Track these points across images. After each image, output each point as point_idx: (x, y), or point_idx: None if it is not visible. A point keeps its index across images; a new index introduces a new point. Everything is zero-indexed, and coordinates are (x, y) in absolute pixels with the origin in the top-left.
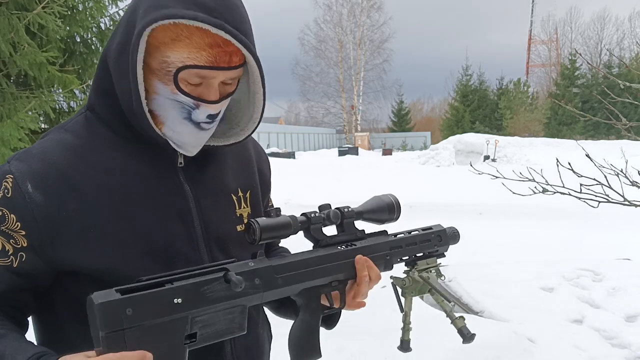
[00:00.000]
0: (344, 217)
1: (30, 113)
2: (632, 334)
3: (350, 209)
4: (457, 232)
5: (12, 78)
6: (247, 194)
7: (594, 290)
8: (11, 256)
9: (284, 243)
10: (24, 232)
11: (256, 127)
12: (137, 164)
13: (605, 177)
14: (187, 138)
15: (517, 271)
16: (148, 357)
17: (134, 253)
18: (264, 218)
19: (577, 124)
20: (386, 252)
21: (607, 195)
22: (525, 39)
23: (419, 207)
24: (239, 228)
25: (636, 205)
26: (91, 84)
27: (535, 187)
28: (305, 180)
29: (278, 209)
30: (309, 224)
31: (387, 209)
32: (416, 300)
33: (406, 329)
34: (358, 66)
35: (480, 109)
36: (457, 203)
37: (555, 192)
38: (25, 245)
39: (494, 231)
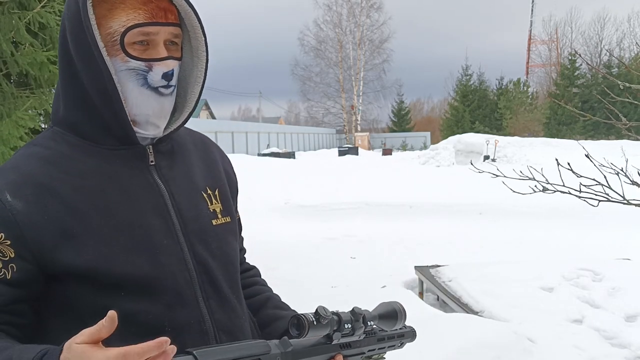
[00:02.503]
0: (364, 330)
1: (30, 112)
2: (632, 333)
3: (372, 328)
4: (415, 332)
5: (12, 78)
6: (216, 192)
7: (593, 290)
8: (2, 269)
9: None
10: (9, 242)
11: (203, 84)
12: (110, 165)
13: (605, 176)
14: (150, 108)
15: (517, 271)
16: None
17: (117, 248)
18: (312, 316)
19: (576, 124)
20: (365, 353)
21: (607, 195)
22: (525, 39)
23: (419, 207)
24: (214, 222)
25: (636, 205)
26: (54, 98)
27: (536, 186)
28: (305, 180)
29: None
30: (336, 331)
31: (397, 319)
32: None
33: None
34: (358, 66)
35: (480, 109)
36: (457, 203)
37: (555, 191)
38: (12, 256)
39: (494, 231)
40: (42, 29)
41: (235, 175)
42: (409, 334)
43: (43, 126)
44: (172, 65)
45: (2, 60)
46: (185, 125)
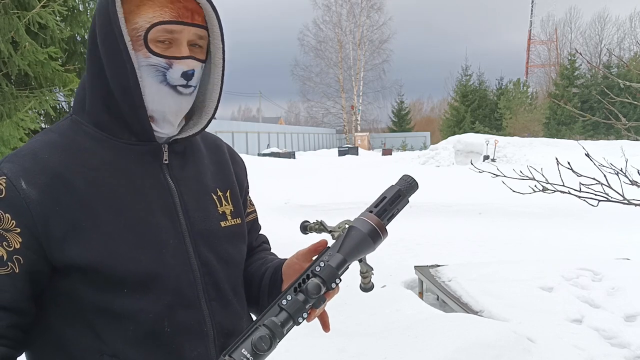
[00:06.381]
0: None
1: (30, 112)
2: (632, 333)
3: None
4: (407, 181)
5: (12, 78)
6: (227, 193)
7: (593, 290)
8: (8, 262)
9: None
10: (18, 230)
11: (221, 91)
12: (124, 161)
13: (605, 176)
14: (167, 105)
15: (517, 271)
16: None
17: (124, 245)
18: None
19: (576, 124)
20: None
21: (607, 194)
22: (524, 39)
23: (419, 207)
24: (222, 224)
25: (635, 204)
26: (79, 88)
27: (535, 186)
28: (305, 180)
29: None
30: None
31: (372, 241)
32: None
33: None
34: (358, 66)
35: (480, 109)
36: (456, 203)
37: (555, 191)
38: (18, 246)
39: (494, 231)
40: (42, 29)
41: (246, 179)
42: (403, 199)
43: (43, 126)
44: (193, 65)
45: (1, 60)
46: None
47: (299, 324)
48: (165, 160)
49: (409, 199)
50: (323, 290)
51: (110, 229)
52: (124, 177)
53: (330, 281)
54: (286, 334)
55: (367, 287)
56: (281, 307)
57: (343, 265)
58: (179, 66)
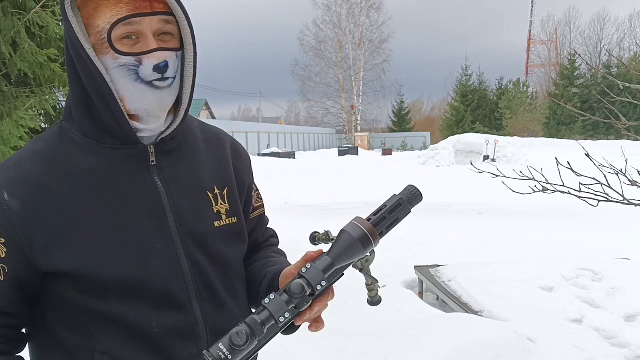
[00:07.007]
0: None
1: (30, 112)
2: (632, 333)
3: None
4: (410, 191)
5: (12, 78)
6: (225, 191)
7: (593, 290)
8: None
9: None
10: (2, 240)
11: (194, 79)
12: (109, 166)
13: (605, 176)
14: (147, 102)
15: (517, 271)
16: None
17: (107, 251)
18: (224, 351)
19: (576, 124)
20: (343, 274)
21: (607, 195)
22: (524, 39)
23: (419, 207)
24: (216, 224)
25: (635, 205)
26: (68, 95)
27: (535, 186)
28: (305, 180)
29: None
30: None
31: (362, 248)
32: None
33: None
34: (358, 66)
35: (480, 109)
36: (456, 203)
37: (555, 191)
38: (3, 256)
39: (494, 231)
40: (41, 29)
41: (249, 175)
42: (404, 209)
43: (43, 126)
44: (164, 56)
45: (1, 61)
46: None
47: (280, 322)
48: (153, 161)
49: (412, 209)
50: (307, 291)
51: (93, 235)
52: (109, 182)
53: (315, 282)
54: (268, 333)
55: (374, 300)
56: (263, 306)
57: (331, 268)
58: (149, 61)
